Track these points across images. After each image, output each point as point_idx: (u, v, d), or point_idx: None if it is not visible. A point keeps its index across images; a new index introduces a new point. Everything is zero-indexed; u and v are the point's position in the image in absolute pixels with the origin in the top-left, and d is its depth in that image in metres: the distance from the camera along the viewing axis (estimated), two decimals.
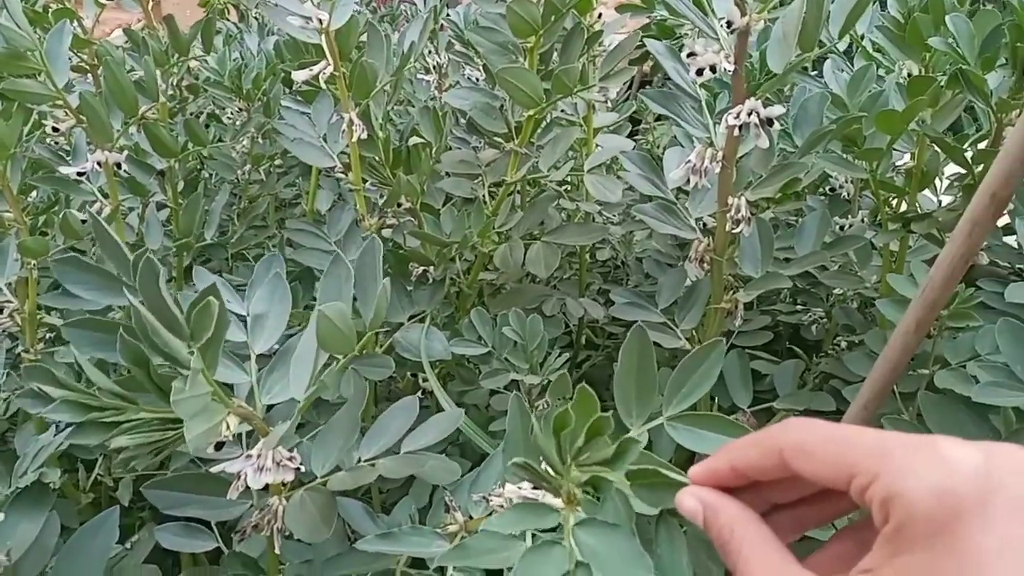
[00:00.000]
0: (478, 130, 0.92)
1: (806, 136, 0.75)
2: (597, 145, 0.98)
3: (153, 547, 0.81)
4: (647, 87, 1.73)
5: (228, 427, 0.48)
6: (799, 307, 1.05)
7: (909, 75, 0.82)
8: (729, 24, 0.67)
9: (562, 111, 1.03)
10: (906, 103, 0.78)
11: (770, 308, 1.05)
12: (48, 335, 0.78)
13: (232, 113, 1.17)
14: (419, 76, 1.32)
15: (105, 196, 0.75)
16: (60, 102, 0.65)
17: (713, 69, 0.68)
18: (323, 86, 0.71)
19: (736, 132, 0.69)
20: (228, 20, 1.45)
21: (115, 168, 0.70)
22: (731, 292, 0.80)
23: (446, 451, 0.84)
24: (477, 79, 1.18)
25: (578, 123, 1.00)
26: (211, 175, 1.23)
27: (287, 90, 1.06)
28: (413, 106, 1.24)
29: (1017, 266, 0.88)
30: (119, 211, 0.73)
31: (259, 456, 0.50)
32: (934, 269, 0.70)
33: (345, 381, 0.69)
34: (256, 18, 1.49)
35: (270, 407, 0.57)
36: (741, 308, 0.80)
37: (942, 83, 0.77)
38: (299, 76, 0.70)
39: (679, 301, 0.85)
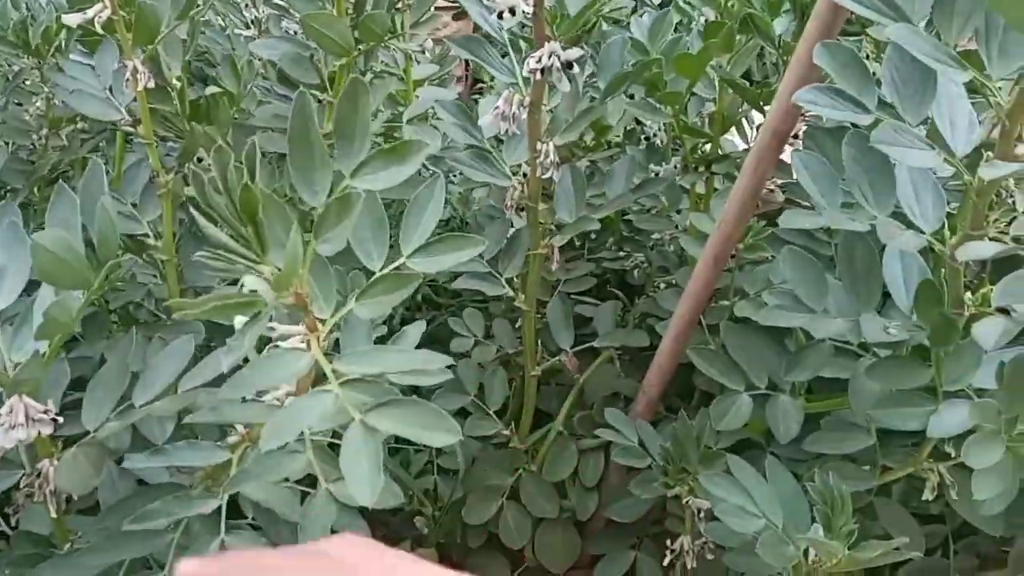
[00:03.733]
0: (290, 81, 0.89)
1: (608, 81, 0.77)
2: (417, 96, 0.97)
3: None
4: None
5: None
6: (622, 254, 1.09)
7: (706, 21, 0.86)
8: None
9: (384, 64, 1.01)
10: None
11: (596, 256, 1.08)
12: None
13: (23, 72, 1.07)
14: (237, 31, 1.25)
15: None
16: None
17: (512, 11, 0.68)
18: (99, 31, 0.65)
19: (538, 76, 0.70)
20: None
21: None
22: (548, 238, 0.82)
23: None
24: (296, 32, 1.13)
25: (399, 75, 0.99)
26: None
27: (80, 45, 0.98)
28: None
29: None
30: None
31: (10, 413, 0.47)
32: (727, 204, 0.74)
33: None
34: None
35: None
36: (557, 253, 0.81)
37: (735, 27, 0.81)
38: (71, 20, 0.64)
39: (502, 250, 0.86)
